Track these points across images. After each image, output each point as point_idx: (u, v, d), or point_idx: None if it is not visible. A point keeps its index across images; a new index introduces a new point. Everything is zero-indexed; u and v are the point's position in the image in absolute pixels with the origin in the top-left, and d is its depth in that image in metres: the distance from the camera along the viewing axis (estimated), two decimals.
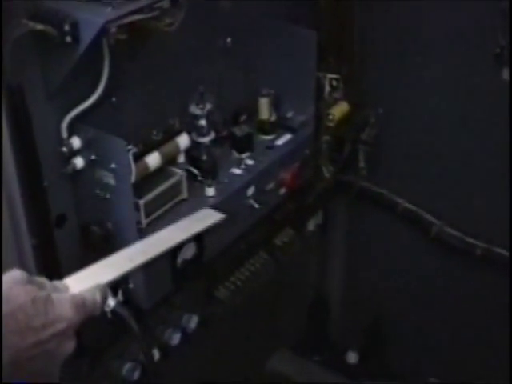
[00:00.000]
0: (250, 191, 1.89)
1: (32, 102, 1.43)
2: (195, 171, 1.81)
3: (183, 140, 1.75)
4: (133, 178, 1.56)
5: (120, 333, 1.61)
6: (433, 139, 2.25)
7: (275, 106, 2.03)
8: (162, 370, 1.77)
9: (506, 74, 2.00)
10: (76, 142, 1.55)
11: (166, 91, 1.76)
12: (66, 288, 1.12)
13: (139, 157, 1.63)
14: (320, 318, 2.84)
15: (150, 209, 1.65)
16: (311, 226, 2.38)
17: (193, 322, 1.91)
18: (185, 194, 1.75)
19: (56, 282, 1.11)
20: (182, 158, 1.78)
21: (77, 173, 1.58)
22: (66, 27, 1.36)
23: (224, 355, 2.31)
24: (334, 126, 2.15)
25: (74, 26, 1.37)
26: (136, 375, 1.79)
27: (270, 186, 1.96)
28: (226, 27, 1.89)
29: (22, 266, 1.49)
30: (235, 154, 1.94)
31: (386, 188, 2.38)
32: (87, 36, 1.38)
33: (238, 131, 1.95)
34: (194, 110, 1.79)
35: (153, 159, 1.67)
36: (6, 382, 0.96)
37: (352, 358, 2.82)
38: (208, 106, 1.80)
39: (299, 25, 1.98)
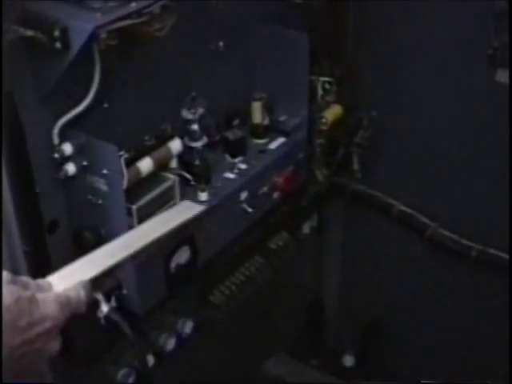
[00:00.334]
0: (244, 195, 1.89)
1: (23, 108, 1.43)
2: (188, 176, 1.81)
3: (175, 145, 1.74)
4: (125, 184, 1.56)
5: (114, 338, 1.62)
6: (427, 141, 2.26)
7: (268, 109, 2.02)
8: (157, 376, 1.77)
9: (499, 76, 2.00)
10: (68, 148, 1.54)
11: (158, 96, 1.76)
12: (50, 286, 1.12)
13: (131, 162, 1.62)
14: (316, 322, 2.84)
15: (142, 214, 1.64)
16: (306, 229, 2.37)
17: (188, 326, 1.90)
18: (178, 199, 1.74)
19: (40, 281, 1.12)
20: (174, 163, 1.77)
21: (69, 179, 1.58)
22: (56, 33, 1.36)
23: (220, 360, 2.31)
24: (328, 129, 2.15)
25: (64, 32, 1.36)
26: (131, 381, 1.78)
27: (264, 190, 1.96)
28: (217, 31, 1.88)
29: (15, 272, 1.49)
30: (228, 159, 1.94)
31: (381, 190, 2.38)
32: (77, 42, 1.38)
33: (231, 135, 1.94)
34: (186, 114, 1.79)
35: (145, 164, 1.66)
36: None
37: (348, 361, 2.82)
38: (200, 111, 1.79)
39: (291, 28, 1.99)
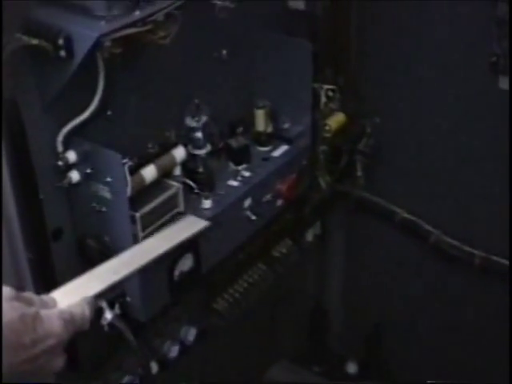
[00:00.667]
0: (247, 203, 1.89)
1: (27, 115, 1.44)
2: (192, 184, 1.81)
3: (179, 152, 1.74)
4: (129, 191, 1.56)
5: (118, 345, 1.62)
6: (430, 148, 2.26)
7: (271, 117, 2.03)
8: (160, 383, 1.77)
9: (502, 83, 2.00)
10: (71, 156, 1.55)
11: (162, 104, 1.76)
12: (54, 302, 1.12)
13: (135, 170, 1.62)
14: (319, 329, 2.83)
15: (146, 222, 1.64)
16: (309, 236, 2.37)
17: (191, 334, 1.91)
18: (181, 207, 1.74)
19: (44, 297, 1.11)
20: (178, 171, 1.77)
21: (73, 186, 1.58)
22: (60, 41, 1.36)
23: (223, 367, 2.30)
24: (331, 137, 2.15)
25: (68, 41, 1.37)
26: None
27: (267, 197, 1.96)
28: (221, 39, 1.89)
29: (19, 280, 1.50)
30: (232, 166, 1.94)
31: (384, 198, 2.38)
32: (81, 50, 1.38)
33: (235, 143, 1.95)
34: (190, 122, 1.80)
35: (149, 172, 1.66)
36: None
37: (352, 368, 2.81)
38: (204, 119, 1.80)
39: (295, 36, 1.99)
